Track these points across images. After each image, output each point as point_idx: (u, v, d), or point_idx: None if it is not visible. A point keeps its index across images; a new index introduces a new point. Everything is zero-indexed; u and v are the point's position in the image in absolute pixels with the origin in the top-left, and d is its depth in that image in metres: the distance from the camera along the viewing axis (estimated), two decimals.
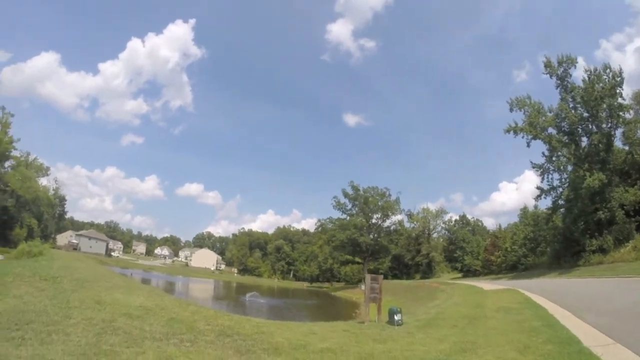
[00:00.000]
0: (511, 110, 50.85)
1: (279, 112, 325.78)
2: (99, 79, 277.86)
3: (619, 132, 47.85)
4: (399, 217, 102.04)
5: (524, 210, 79.40)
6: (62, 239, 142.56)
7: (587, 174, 43.79)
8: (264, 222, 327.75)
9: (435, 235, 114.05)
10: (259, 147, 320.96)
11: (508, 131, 50.19)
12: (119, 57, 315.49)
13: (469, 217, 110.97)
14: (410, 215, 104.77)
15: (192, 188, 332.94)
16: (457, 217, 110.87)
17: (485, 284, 39.71)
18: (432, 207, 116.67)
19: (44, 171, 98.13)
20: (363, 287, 16.80)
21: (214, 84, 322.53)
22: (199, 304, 30.07)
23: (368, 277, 16.53)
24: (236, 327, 11.68)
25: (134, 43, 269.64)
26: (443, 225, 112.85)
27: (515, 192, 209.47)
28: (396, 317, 15.06)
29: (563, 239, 50.43)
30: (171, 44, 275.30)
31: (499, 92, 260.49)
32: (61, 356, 6.81)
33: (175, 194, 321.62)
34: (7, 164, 79.59)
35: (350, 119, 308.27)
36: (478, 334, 11.99)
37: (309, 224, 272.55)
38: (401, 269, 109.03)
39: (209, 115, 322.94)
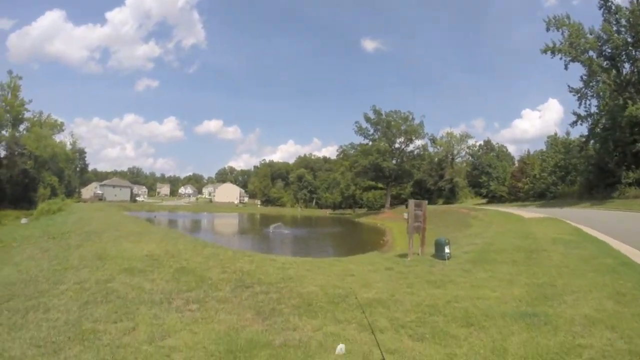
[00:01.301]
0: (547, 29, 47.68)
1: (295, 42, 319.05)
2: (107, 28, 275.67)
3: None
4: (422, 141, 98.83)
5: (554, 137, 76.18)
6: (88, 191, 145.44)
7: (629, 102, 41.57)
8: (284, 153, 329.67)
9: (458, 160, 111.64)
10: (276, 79, 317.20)
11: (545, 51, 47.30)
12: (125, 2, 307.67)
13: (493, 142, 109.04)
14: (433, 140, 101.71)
15: (212, 125, 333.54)
16: (482, 142, 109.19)
17: (519, 211, 37.79)
18: (454, 132, 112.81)
19: (58, 127, 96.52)
20: (405, 215, 14.37)
21: (225, 19, 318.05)
22: (219, 242, 29.07)
23: (411, 203, 14.29)
24: (257, 273, 9.88)
25: None
26: (467, 151, 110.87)
27: (539, 120, 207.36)
28: (446, 250, 13.03)
29: (596, 169, 49.11)
30: None
31: (525, 16, 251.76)
32: (26, 349, 5.16)
33: (195, 133, 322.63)
34: (21, 127, 78.91)
35: (369, 45, 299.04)
36: (550, 274, 9.88)
37: (329, 152, 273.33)
38: (423, 194, 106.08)
39: (223, 51, 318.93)
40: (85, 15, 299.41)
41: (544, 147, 79.40)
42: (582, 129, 52.73)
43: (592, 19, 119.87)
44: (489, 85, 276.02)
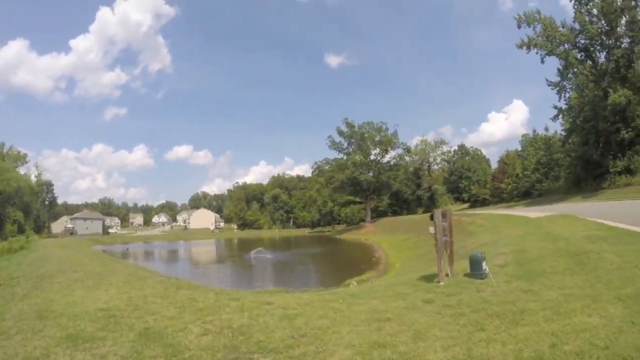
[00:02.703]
0: (519, 27, 47.14)
1: (259, 62, 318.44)
2: (72, 56, 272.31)
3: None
4: (398, 151, 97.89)
5: (534, 134, 76.37)
6: (58, 226, 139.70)
7: (610, 90, 41.12)
8: (257, 174, 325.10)
9: (435, 167, 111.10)
10: (243, 99, 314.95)
11: (521, 46, 46.78)
12: (90, 29, 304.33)
13: (467, 146, 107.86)
14: (407, 150, 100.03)
15: (182, 150, 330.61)
16: (456, 148, 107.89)
17: (516, 212, 36.11)
18: (427, 139, 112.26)
19: (22, 159, 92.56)
20: (432, 230, 11.85)
21: (190, 41, 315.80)
22: (197, 276, 26.20)
23: (438, 213, 11.65)
24: (254, 330, 7.06)
25: (103, 12, 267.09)
26: (442, 157, 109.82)
27: (505, 121, 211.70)
28: (484, 267, 10.74)
29: (582, 162, 48.43)
30: (141, 6, 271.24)
31: (484, 21, 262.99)
32: None
33: (166, 160, 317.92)
34: None
35: (333, 60, 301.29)
36: (631, 279, 7.87)
37: (302, 170, 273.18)
38: (400, 205, 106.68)
39: (190, 74, 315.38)
40: (49, 43, 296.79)
41: (512, 148, 79.90)
42: (557, 126, 53.30)
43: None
44: (454, 92, 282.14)
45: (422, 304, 8.65)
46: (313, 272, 33.90)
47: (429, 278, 11.73)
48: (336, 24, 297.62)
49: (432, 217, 11.64)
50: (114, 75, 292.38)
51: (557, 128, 65.49)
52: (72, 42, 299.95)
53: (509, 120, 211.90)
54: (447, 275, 11.39)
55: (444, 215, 11.75)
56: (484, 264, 10.77)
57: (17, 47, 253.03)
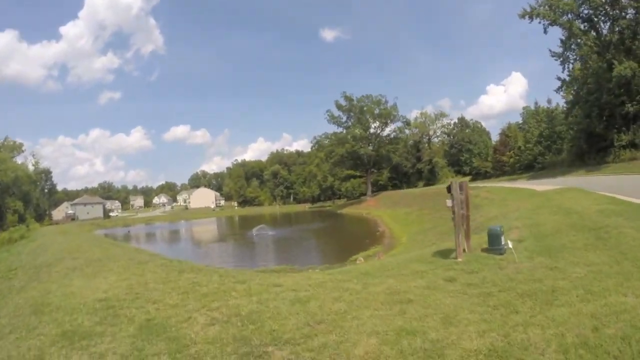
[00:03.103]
0: None
1: (254, 38, 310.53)
2: (62, 44, 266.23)
3: None
4: (398, 124, 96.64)
5: (536, 106, 74.98)
6: (59, 213, 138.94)
7: (615, 62, 39.93)
8: (255, 151, 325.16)
9: (435, 140, 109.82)
10: (239, 77, 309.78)
11: (523, 16, 45.75)
12: (79, 15, 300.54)
13: (467, 118, 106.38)
14: (407, 123, 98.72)
15: (179, 130, 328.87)
16: (456, 120, 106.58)
17: (521, 185, 35.88)
18: (427, 111, 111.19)
19: (18, 149, 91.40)
20: (449, 202, 10.85)
21: (182, 21, 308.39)
22: (199, 256, 25.75)
23: (455, 185, 10.82)
24: (265, 317, 6.56)
25: None
26: (442, 130, 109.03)
27: (504, 94, 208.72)
28: (503, 242, 10.13)
29: (585, 135, 47.43)
30: None
31: None
32: None
33: (163, 140, 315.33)
34: None
35: (328, 34, 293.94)
36: None
37: (300, 145, 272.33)
38: (400, 179, 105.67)
39: (183, 54, 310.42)
40: (39, 32, 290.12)
41: (511, 120, 78.91)
42: (559, 98, 52.92)
43: None
44: (452, 64, 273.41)
45: (443, 283, 8.07)
46: (317, 248, 33.54)
47: (444, 254, 11.15)
48: None
49: (449, 189, 10.79)
50: (107, 60, 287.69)
51: (559, 100, 64.40)
52: (62, 29, 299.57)
53: (508, 93, 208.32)
54: (463, 250, 10.70)
55: (460, 187, 11.07)
56: (503, 238, 10.18)
57: (6, 38, 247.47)
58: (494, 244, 10.27)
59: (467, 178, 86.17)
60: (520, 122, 79.97)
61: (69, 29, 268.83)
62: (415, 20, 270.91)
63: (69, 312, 7.62)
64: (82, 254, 17.29)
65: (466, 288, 7.51)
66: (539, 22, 45.47)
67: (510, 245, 9.91)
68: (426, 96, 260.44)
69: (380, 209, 64.79)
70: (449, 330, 5.49)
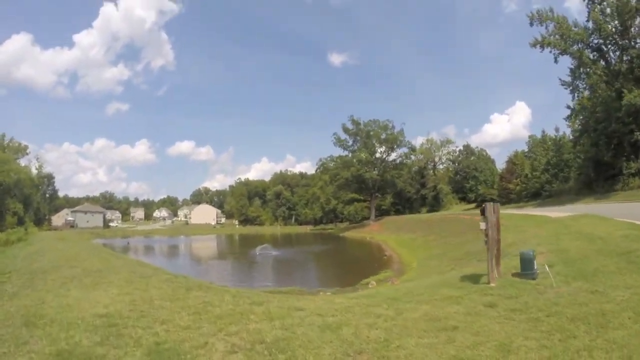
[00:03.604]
0: (531, 24, 47.21)
1: (263, 59, 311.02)
2: (75, 51, 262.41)
3: None
4: (404, 150, 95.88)
5: (543, 135, 75.06)
6: (59, 219, 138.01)
7: (625, 91, 40.29)
8: (259, 171, 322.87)
9: (440, 166, 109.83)
10: (246, 96, 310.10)
11: (534, 45, 46.45)
12: (93, 25, 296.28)
13: (472, 146, 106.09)
14: (412, 149, 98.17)
15: (183, 146, 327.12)
16: (461, 148, 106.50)
17: (532, 211, 35.37)
18: (433, 138, 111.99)
19: (22, 151, 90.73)
20: (483, 225, 10.54)
21: (193, 38, 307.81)
22: (203, 273, 24.73)
23: (490, 207, 10.37)
24: (294, 346, 5.80)
25: (107, 8, 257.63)
26: (447, 156, 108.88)
27: (507, 123, 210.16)
28: (538, 267, 9.97)
29: (593, 163, 47.38)
30: (146, 2, 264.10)
31: (487, 23, 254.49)
32: None
33: (167, 155, 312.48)
34: None
35: (336, 59, 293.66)
36: None
37: (304, 167, 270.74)
38: (403, 204, 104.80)
39: (192, 71, 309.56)
40: (52, 38, 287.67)
41: (514, 149, 78.79)
42: (565, 126, 53.86)
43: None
44: (457, 93, 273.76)
45: (484, 309, 7.66)
46: (324, 270, 32.54)
47: (472, 278, 10.93)
48: (340, 23, 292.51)
49: (482, 212, 10.51)
50: (117, 71, 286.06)
51: (565, 129, 65.02)
52: (76, 37, 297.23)
53: (512, 122, 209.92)
54: (489, 274, 10.23)
55: (493, 210, 10.38)
56: (535, 263, 10.02)
57: (20, 41, 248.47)
58: (526, 268, 10.06)
59: (472, 205, 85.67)
60: (526, 150, 79.74)
61: (82, 38, 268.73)
62: (422, 49, 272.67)
63: (64, 328, 6.69)
64: (80, 263, 16.31)
65: (510, 314, 7.18)
66: (550, 52, 45.98)
67: (547, 270, 9.65)
68: (431, 123, 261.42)
69: (383, 233, 63.74)
70: (509, 359, 5.17)
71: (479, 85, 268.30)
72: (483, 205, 10.61)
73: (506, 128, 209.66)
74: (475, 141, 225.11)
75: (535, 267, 9.96)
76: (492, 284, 9.64)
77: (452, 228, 39.47)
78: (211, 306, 8.37)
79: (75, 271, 13.50)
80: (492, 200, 75.70)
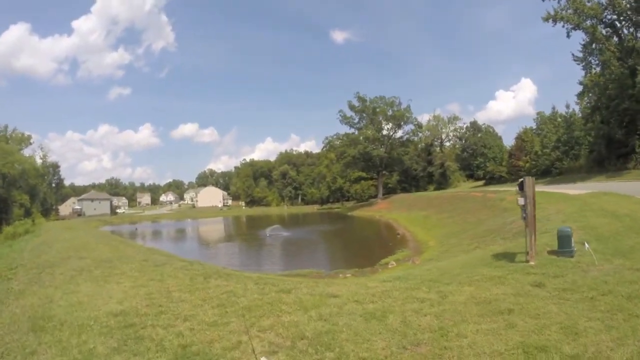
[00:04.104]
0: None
1: (264, 38, 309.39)
2: (74, 38, 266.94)
3: None
4: (410, 127, 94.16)
5: (553, 112, 73.35)
6: (66, 208, 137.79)
7: (639, 68, 39.87)
8: (263, 151, 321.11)
9: (447, 143, 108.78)
10: (248, 76, 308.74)
11: (547, 19, 45.16)
12: (92, 10, 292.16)
13: (479, 123, 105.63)
14: (419, 126, 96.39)
15: (187, 128, 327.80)
16: (468, 124, 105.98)
17: (547, 189, 33.79)
18: (441, 114, 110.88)
19: (26, 141, 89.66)
20: (522, 201, 9.66)
21: (194, 19, 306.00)
22: (216, 256, 24.13)
23: (529, 181, 9.69)
24: (339, 339, 5.14)
25: None
26: (454, 133, 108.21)
27: (513, 100, 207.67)
28: (586, 246, 9.28)
29: (605, 141, 46.67)
30: None
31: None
32: None
33: (171, 138, 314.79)
34: None
35: (338, 36, 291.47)
36: None
37: (308, 146, 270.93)
38: (409, 182, 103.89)
39: (193, 52, 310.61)
40: (51, 26, 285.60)
41: (520, 126, 77.66)
42: (571, 102, 53.35)
43: None
44: (461, 69, 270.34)
45: (532, 289, 7.19)
46: (338, 251, 31.89)
47: (506, 256, 10.47)
48: (342, 0, 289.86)
49: (521, 187, 9.75)
50: (117, 56, 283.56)
51: (575, 106, 64.31)
52: (75, 23, 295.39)
53: (517, 99, 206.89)
54: (527, 252, 9.65)
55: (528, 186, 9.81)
56: (572, 240, 9.59)
57: (18, 30, 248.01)
58: (564, 245, 9.60)
59: (481, 182, 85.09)
60: (534, 127, 78.38)
61: (81, 24, 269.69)
62: (425, 25, 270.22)
63: (76, 331, 5.96)
64: (89, 253, 15.64)
65: (562, 293, 6.81)
66: (563, 26, 44.92)
67: (587, 247, 9.25)
68: (435, 100, 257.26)
69: (393, 211, 63.03)
70: (581, 342, 4.83)
71: (484, 62, 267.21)
72: (521, 180, 9.89)
73: (511, 105, 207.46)
74: (480, 118, 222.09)
75: (573, 245, 9.50)
76: (532, 262, 9.13)
77: (465, 205, 38.80)
78: (235, 296, 7.64)
79: (85, 262, 12.83)
80: (500, 177, 76.18)
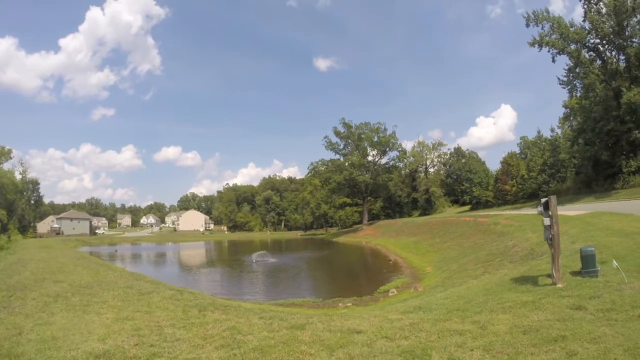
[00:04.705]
0: (527, 25, 46.74)
1: (249, 65, 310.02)
2: (61, 56, 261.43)
3: None
4: (396, 152, 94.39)
5: (538, 136, 74.05)
6: (44, 226, 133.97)
7: (624, 89, 40.67)
8: (245, 176, 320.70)
9: (431, 169, 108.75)
10: (232, 101, 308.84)
11: (533, 44, 46.06)
12: (79, 29, 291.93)
13: (463, 149, 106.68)
14: (403, 152, 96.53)
15: (170, 151, 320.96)
16: (452, 150, 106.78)
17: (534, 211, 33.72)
18: (425, 141, 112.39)
19: (5, 155, 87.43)
20: (547, 221, 9.47)
21: (180, 43, 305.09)
22: (203, 288, 22.72)
23: (554, 200, 9.34)
24: None
25: (93, 12, 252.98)
26: (438, 159, 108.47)
27: (493, 126, 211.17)
28: (614, 264, 8.91)
29: (592, 162, 47.40)
30: (132, 7, 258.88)
31: (472, 28, 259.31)
32: None
33: (154, 161, 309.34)
34: None
35: (322, 64, 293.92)
36: None
37: (291, 172, 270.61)
38: (393, 208, 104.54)
39: (179, 76, 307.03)
40: (38, 42, 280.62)
41: (501, 152, 79.37)
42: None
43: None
44: (443, 96, 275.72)
45: (573, 312, 6.72)
46: (331, 278, 30.51)
47: (527, 280, 10.06)
48: (326, 28, 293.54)
49: (545, 207, 9.49)
50: (103, 76, 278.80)
51: (560, 129, 66.04)
52: (62, 41, 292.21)
53: (497, 125, 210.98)
54: (548, 276, 9.67)
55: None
56: (596, 260, 9.33)
57: (5, 45, 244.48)
58: (589, 266, 9.26)
59: (466, 207, 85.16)
60: (518, 152, 79.65)
61: (68, 42, 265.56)
62: (407, 53, 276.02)
63: None
64: (66, 276, 14.18)
65: (607, 314, 6.36)
66: (548, 51, 45.87)
67: (616, 266, 8.89)
68: (417, 127, 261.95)
69: (379, 237, 62.15)
70: None
71: (465, 89, 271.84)
72: (546, 199, 9.56)
73: (491, 131, 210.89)
74: (462, 144, 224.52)
75: (597, 265, 9.22)
76: (559, 285, 8.73)
77: (457, 230, 38.05)
78: (240, 334, 6.48)
79: (61, 287, 11.44)
80: (487, 202, 76.17)
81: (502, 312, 7.16)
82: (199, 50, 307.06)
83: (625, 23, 42.10)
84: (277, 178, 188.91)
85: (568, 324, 6.05)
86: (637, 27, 42.09)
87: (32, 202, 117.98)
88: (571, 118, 53.06)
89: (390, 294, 18.87)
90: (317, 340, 5.99)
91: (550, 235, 9.26)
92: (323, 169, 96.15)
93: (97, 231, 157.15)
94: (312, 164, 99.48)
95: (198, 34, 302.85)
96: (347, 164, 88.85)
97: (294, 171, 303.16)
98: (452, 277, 19.47)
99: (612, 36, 43.35)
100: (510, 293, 8.86)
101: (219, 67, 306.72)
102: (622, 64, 44.19)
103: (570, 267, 9.75)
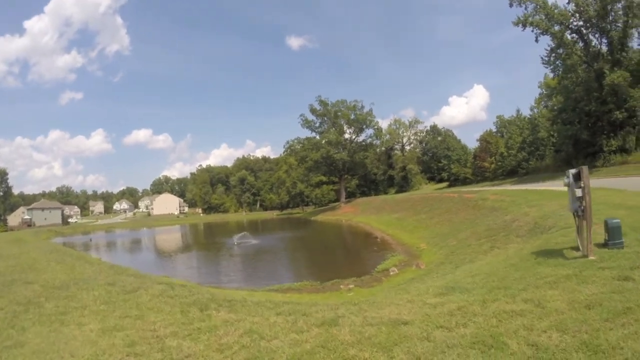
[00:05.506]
0: (511, 5, 47.51)
1: (220, 43, 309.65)
2: (25, 39, 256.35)
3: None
4: (372, 130, 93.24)
5: (518, 115, 76.50)
6: (15, 218, 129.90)
7: (607, 71, 41.96)
8: (218, 157, 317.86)
9: (408, 147, 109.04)
10: (203, 82, 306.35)
11: (517, 24, 47.31)
12: (45, 10, 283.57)
13: (439, 127, 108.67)
14: (380, 130, 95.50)
15: (141, 134, 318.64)
16: (428, 128, 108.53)
17: (524, 186, 35.14)
18: (402, 119, 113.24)
19: None
20: (580, 192, 8.71)
21: (149, 23, 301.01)
22: (189, 276, 21.54)
23: (586, 170, 8.75)
24: None
25: None
26: (415, 137, 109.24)
27: (466, 105, 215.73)
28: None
29: (572, 141, 48.90)
30: None
31: (447, 7, 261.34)
32: None
33: (124, 144, 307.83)
34: None
35: (294, 42, 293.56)
36: None
37: (264, 152, 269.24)
38: (369, 186, 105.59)
39: (149, 56, 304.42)
40: (1, 25, 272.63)
41: (473, 131, 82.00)
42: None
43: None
44: (416, 75, 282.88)
45: (623, 283, 6.28)
46: (320, 259, 29.13)
47: (550, 253, 9.64)
48: (298, 6, 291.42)
49: (579, 176, 8.93)
50: (70, 58, 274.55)
51: (538, 108, 70.32)
52: (27, 23, 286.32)
53: (470, 104, 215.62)
54: (576, 248, 9.42)
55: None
56: (621, 231, 9.05)
57: None
58: (615, 237, 9.07)
59: (444, 184, 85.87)
60: (494, 130, 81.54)
61: (33, 24, 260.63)
62: (379, 32, 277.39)
63: None
64: (38, 275, 12.46)
65: None
66: (532, 31, 46.91)
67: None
68: (390, 106, 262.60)
69: (360, 215, 61.60)
70: None
71: (437, 69, 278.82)
72: (577, 170, 9.05)
73: (464, 110, 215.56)
74: (435, 123, 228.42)
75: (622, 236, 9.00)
76: (592, 257, 8.38)
77: (442, 206, 37.60)
78: (264, 339, 5.26)
79: (33, 290, 9.79)
80: (465, 179, 77.06)
81: (548, 287, 6.65)
82: (168, 30, 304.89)
83: (610, 7, 42.53)
84: (251, 158, 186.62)
85: (626, 295, 5.72)
86: (621, 11, 42.54)
87: (1, 193, 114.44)
88: (552, 98, 54.21)
89: (391, 273, 18.09)
90: (361, 339, 4.92)
91: (582, 207, 8.79)
92: (299, 147, 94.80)
93: (69, 220, 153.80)
94: (288, 142, 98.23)
95: (167, 14, 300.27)
96: (323, 141, 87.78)
97: (267, 151, 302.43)
98: (455, 252, 18.79)
99: (595, 19, 43.95)
100: (543, 267, 8.32)
101: (190, 47, 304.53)
102: (605, 47, 45.06)
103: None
